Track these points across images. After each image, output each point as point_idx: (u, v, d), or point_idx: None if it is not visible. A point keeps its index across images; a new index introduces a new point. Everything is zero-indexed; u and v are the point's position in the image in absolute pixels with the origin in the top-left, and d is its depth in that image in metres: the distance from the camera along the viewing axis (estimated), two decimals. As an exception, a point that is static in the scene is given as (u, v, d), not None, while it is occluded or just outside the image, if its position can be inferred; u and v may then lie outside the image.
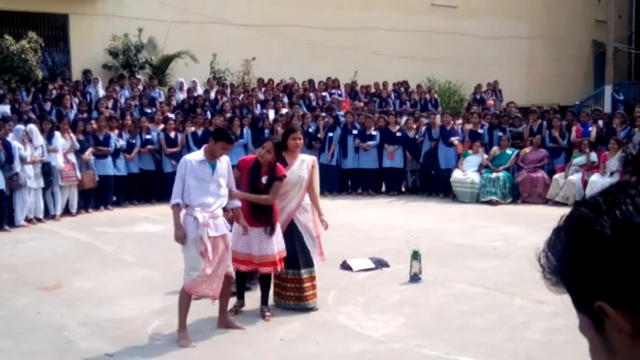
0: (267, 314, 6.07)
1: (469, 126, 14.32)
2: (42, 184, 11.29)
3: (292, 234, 6.22)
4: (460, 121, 14.69)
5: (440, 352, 5.14)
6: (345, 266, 7.76)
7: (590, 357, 0.96)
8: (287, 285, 6.29)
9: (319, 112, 15.32)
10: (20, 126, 11.36)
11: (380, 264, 7.92)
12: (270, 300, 6.30)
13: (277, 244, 5.97)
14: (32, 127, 11.38)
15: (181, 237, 5.34)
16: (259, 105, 16.13)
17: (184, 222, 5.38)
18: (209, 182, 5.46)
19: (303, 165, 6.31)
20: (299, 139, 6.39)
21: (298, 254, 6.21)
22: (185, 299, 5.47)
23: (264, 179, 5.94)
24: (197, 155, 5.57)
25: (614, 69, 22.77)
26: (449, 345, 5.29)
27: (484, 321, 5.89)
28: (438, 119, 14.55)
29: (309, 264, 6.28)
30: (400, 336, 5.54)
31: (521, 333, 5.56)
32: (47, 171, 11.40)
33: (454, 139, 13.93)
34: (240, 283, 6.28)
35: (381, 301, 6.58)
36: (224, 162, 5.61)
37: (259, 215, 5.90)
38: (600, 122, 13.60)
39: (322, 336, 5.57)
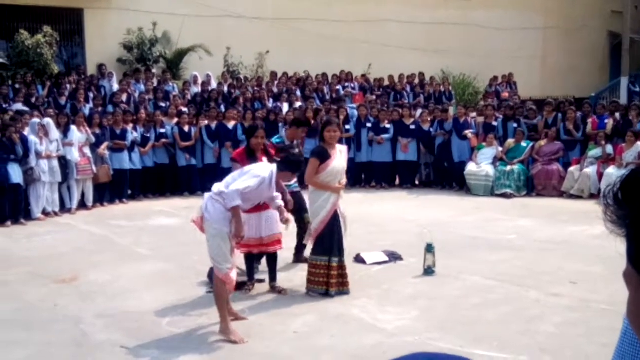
0: (280, 287, 6.58)
1: (480, 119, 14.24)
2: (59, 177, 11.39)
3: (334, 223, 6.46)
4: (474, 114, 14.59)
5: (453, 345, 5.13)
6: (358, 259, 7.77)
7: (627, 306, 0.97)
8: (318, 271, 6.51)
9: (329, 106, 15.26)
10: (36, 120, 11.44)
11: (394, 257, 7.92)
12: (302, 288, 6.61)
13: (279, 223, 6.42)
14: (49, 121, 11.46)
15: (244, 234, 5.54)
16: (271, 99, 16.14)
17: (224, 218, 5.37)
18: (262, 197, 5.79)
19: (342, 155, 6.64)
20: (334, 132, 6.59)
21: (334, 242, 6.45)
22: (223, 291, 5.45)
23: (265, 160, 6.46)
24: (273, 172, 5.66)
25: (630, 60, 22.52)
26: (462, 338, 5.28)
27: (498, 314, 5.88)
28: (451, 111, 14.49)
29: (341, 253, 6.54)
30: (414, 329, 5.54)
31: (535, 326, 5.54)
32: (63, 165, 11.49)
33: (468, 132, 13.86)
34: (249, 265, 6.75)
35: (395, 294, 6.58)
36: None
37: None
38: (618, 115, 13.46)
39: (336, 329, 5.58)
